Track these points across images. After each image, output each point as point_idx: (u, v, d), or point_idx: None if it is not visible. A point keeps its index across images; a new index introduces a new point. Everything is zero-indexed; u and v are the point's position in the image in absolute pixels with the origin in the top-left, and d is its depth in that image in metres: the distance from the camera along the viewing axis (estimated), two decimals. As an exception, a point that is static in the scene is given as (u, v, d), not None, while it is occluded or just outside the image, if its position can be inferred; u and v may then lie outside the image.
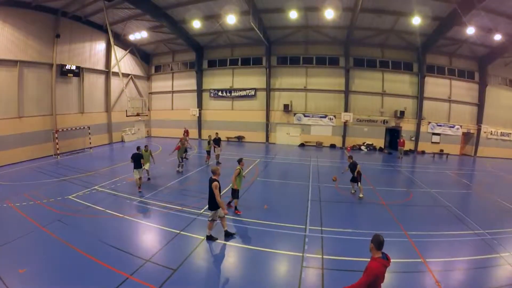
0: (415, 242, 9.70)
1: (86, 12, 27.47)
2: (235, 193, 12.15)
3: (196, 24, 26.60)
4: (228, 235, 9.84)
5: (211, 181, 9.32)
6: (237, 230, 10.30)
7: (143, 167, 15.68)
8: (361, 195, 14.34)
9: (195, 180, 17.43)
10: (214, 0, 23.86)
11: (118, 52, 31.87)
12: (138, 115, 26.14)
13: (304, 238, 9.55)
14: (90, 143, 29.51)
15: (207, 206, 9.76)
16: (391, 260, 4.89)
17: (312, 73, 30.82)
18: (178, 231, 10.29)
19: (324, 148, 30.04)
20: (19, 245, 9.80)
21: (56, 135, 25.84)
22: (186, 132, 28.66)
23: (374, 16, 24.21)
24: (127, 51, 34.86)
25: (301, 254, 8.54)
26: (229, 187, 13.51)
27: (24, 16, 23.57)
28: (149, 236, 10.51)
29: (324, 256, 8.57)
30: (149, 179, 17.27)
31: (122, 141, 34.29)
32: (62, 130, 26.83)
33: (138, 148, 16.25)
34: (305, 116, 31.21)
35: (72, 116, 29.05)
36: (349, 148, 29.32)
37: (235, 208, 12.34)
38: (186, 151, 21.33)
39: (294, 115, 31.42)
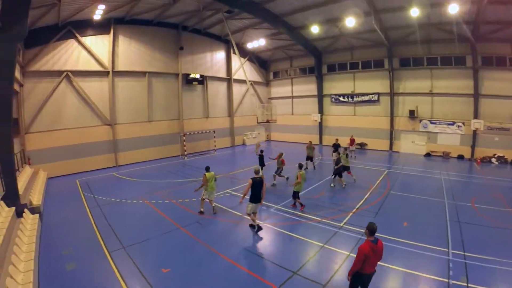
0: None
1: (204, 25, 29.58)
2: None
3: (315, 29, 26.06)
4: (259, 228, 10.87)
5: (261, 180, 10.88)
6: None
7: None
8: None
9: (326, 190, 16.71)
10: (332, 4, 22.86)
11: (237, 60, 33.26)
12: (268, 121, 26.72)
13: (448, 262, 8.60)
14: (215, 146, 31.69)
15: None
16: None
17: (437, 75, 27.22)
18: (322, 244, 9.91)
19: (451, 159, 26.24)
20: (160, 243, 10.40)
21: (184, 138, 28.28)
22: (352, 141, 26.68)
23: (500, 7, 19.82)
24: (246, 59, 36.48)
25: (446, 280, 7.72)
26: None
27: (149, 32, 26.75)
28: (292, 246, 10.13)
29: (469, 285, 7.63)
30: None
31: (244, 144, 36.20)
32: (189, 133, 29.33)
33: (262, 151, 19.20)
34: (431, 123, 27.74)
35: (197, 120, 31.77)
36: (479, 161, 24.85)
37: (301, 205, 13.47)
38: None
39: (420, 122, 28.19)
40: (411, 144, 28.91)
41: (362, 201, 14.35)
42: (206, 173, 12.98)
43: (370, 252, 6.02)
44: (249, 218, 11.46)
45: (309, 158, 21.22)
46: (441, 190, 16.34)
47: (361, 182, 17.86)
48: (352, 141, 26.26)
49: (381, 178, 18.97)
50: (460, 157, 26.36)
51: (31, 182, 16.43)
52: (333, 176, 17.60)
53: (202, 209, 13.12)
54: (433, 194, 15.49)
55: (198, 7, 24.60)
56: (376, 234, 6.07)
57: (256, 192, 10.67)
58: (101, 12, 21.00)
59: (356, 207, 13.45)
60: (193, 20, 27.81)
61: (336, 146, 21.92)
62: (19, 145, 19.54)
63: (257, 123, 26.50)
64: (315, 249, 9.59)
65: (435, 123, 27.50)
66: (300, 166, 13.77)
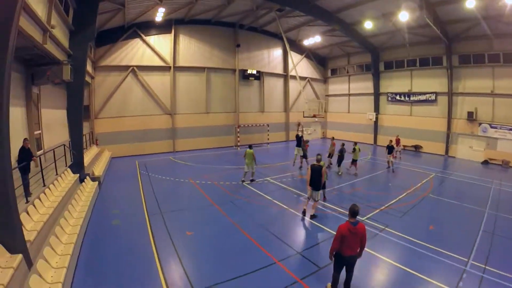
0: None
1: (260, 23, 31.21)
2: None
3: (368, 25, 25.93)
4: (315, 216, 11.88)
5: (320, 168, 11.58)
6: (395, 247, 9.74)
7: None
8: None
9: (363, 186, 17.19)
10: (382, -2, 22.75)
11: (294, 57, 34.78)
12: (314, 116, 27.67)
13: (462, 273, 8.12)
14: (268, 139, 33.51)
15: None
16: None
17: (500, 73, 24.74)
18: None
19: (511, 169, 23.77)
20: (193, 214, 12.52)
21: (238, 130, 30.82)
22: (397, 141, 26.28)
23: None
24: (303, 55, 37.72)
25: (451, 290, 7.32)
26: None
27: (207, 31, 29.37)
28: (306, 231, 11.18)
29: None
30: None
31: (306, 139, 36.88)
32: (244, 126, 31.79)
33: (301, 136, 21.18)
34: (491, 127, 25.50)
35: (253, 114, 33.96)
36: None
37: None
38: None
39: (479, 125, 26.12)
40: (469, 149, 27.11)
41: (395, 200, 14.45)
42: (247, 150, 16.93)
43: (347, 232, 6.40)
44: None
45: (330, 155, 21.66)
46: (486, 199, 15.24)
47: (402, 182, 17.98)
48: (398, 141, 25.89)
49: (424, 180, 18.54)
50: (521, 167, 23.74)
51: (96, 158, 20.04)
52: (337, 165, 19.56)
53: (243, 179, 17.17)
54: (475, 202, 14.57)
55: (252, 7, 26.41)
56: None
57: (314, 179, 11.58)
58: (162, 14, 23.83)
59: (386, 205, 13.56)
60: (249, 19, 29.72)
61: (390, 148, 21.74)
62: (89, 128, 23.48)
63: (303, 117, 27.85)
64: (326, 236, 10.23)
65: (495, 128, 25.28)
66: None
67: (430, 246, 9.60)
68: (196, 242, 9.78)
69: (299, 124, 23.69)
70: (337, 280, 6.96)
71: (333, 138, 22.87)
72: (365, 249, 8.76)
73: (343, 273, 6.86)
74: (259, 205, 13.53)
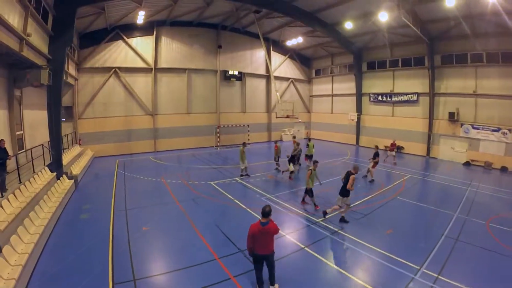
0: None
1: (242, 24, 32.61)
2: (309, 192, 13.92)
3: (348, 25, 26.80)
4: (343, 221, 12.16)
5: (349, 174, 11.85)
6: (341, 251, 10.10)
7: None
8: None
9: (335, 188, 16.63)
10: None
11: (278, 58, 36.31)
12: (288, 117, 28.50)
13: (409, 282, 7.95)
14: (249, 139, 34.49)
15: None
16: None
17: (483, 73, 25.08)
18: (284, 234, 10.95)
19: (493, 171, 23.86)
20: (154, 210, 13.86)
21: (218, 130, 32.33)
22: (393, 145, 25.85)
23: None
24: (287, 56, 39.05)
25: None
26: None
27: (189, 33, 30.99)
28: None
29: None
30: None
31: (281, 140, 37.61)
32: (224, 126, 33.22)
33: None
34: (473, 128, 26.18)
35: (235, 114, 35.38)
36: None
37: (314, 204, 13.93)
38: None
39: (461, 126, 26.85)
40: (451, 151, 27.71)
41: (359, 202, 14.55)
42: (240, 147, 19.39)
43: (256, 232, 6.85)
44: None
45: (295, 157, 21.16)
46: (458, 202, 14.98)
47: (373, 184, 18.37)
48: (393, 145, 25.69)
49: (397, 182, 18.82)
50: (504, 169, 23.79)
51: (77, 158, 21.66)
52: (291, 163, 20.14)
53: (242, 173, 19.83)
54: (446, 205, 14.40)
55: (232, 8, 27.84)
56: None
57: (343, 185, 12.09)
58: (143, 17, 25.30)
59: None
60: (231, 20, 31.18)
61: (375, 154, 19.72)
62: (72, 128, 25.13)
63: (276, 117, 28.88)
64: (276, 236, 10.41)
65: (477, 128, 25.76)
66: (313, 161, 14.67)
67: (382, 251, 9.60)
68: (149, 237, 11.05)
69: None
70: (258, 278, 7.36)
71: (294, 137, 24.00)
72: (307, 249, 9.83)
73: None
74: (219, 204, 14.74)
